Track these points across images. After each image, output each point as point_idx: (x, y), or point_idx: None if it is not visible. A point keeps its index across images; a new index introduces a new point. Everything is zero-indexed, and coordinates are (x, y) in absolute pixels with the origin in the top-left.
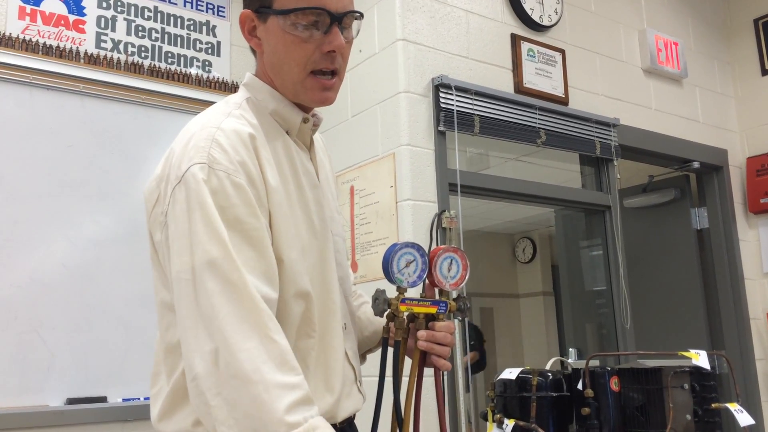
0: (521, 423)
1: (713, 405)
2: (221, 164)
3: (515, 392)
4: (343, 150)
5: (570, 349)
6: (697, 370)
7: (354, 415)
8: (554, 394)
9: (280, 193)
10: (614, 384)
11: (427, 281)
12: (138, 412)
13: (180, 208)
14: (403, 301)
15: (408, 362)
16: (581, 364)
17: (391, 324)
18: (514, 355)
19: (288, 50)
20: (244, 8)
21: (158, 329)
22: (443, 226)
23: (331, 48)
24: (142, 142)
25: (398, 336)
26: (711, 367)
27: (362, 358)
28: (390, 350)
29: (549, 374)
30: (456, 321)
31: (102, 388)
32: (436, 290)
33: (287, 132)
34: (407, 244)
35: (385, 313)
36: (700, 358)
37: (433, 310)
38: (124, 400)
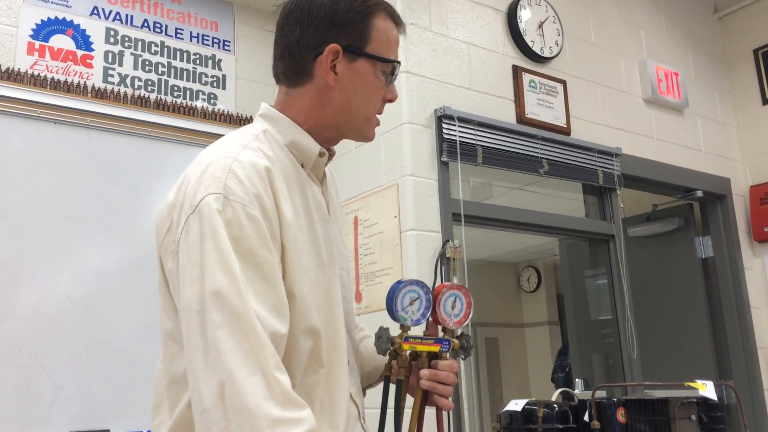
0: None
1: None
2: (237, 195)
3: (521, 424)
4: (347, 180)
5: (576, 380)
6: (704, 401)
7: None
8: (561, 426)
9: (294, 227)
10: (621, 415)
11: (430, 319)
12: None
13: (193, 237)
14: (407, 339)
15: (410, 400)
16: (587, 395)
17: (394, 362)
18: (520, 386)
19: (368, 92)
20: (330, 42)
21: (162, 361)
22: (447, 256)
23: (393, 98)
24: (148, 174)
25: (400, 375)
26: (719, 398)
27: (363, 392)
28: (392, 387)
29: (555, 406)
30: (460, 359)
31: (105, 422)
32: (440, 328)
33: (302, 165)
34: (411, 282)
35: (388, 352)
36: (707, 389)
37: (436, 348)
38: None
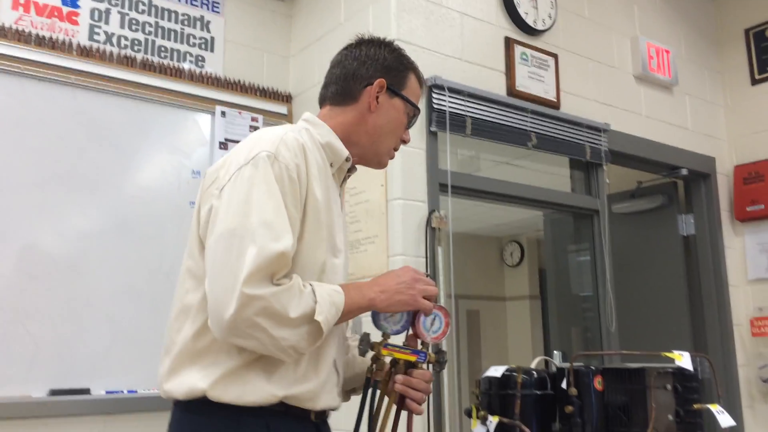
0: (505, 420)
1: (695, 406)
2: (284, 158)
3: (500, 390)
4: None
5: (555, 352)
6: (680, 372)
7: (329, 413)
8: (538, 392)
9: (320, 203)
10: (598, 383)
11: (411, 332)
12: (121, 404)
13: (245, 180)
14: (386, 345)
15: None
16: (566, 365)
17: (374, 365)
18: (500, 358)
19: (395, 125)
20: (381, 75)
21: (177, 300)
22: (433, 226)
23: (407, 140)
24: (132, 135)
25: (378, 377)
26: (694, 370)
27: (347, 395)
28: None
29: (534, 373)
30: (433, 371)
31: (86, 380)
32: (419, 340)
33: (330, 164)
34: None
35: (370, 355)
36: (683, 359)
37: (413, 358)
38: (107, 392)
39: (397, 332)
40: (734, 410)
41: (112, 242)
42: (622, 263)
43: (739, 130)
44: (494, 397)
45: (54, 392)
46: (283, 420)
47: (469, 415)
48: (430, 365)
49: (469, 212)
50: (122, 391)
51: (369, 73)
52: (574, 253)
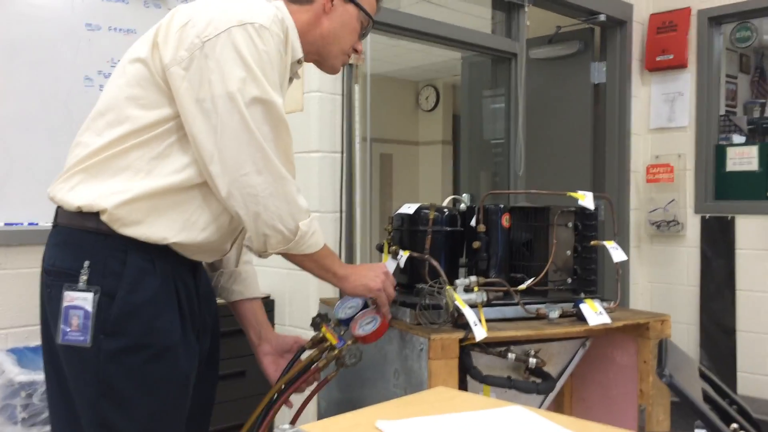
0: (415, 254)
1: (592, 242)
2: (276, 35)
3: (411, 226)
4: None
5: (464, 195)
6: (581, 211)
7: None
8: (449, 229)
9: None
10: (505, 220)
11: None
12: (22, 236)
13: (245, 44)
14: (327, 325)
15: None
16: (476, 206)
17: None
18: (410, 200)
19: (347, 32)
20: None
21: (88, 133)
22: (350, 62)
23: (360, 50)
24: None
25: (307, 345)
26: (595, 209)
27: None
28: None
29: (445, 210)
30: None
31: None
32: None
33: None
34: (362, 298)
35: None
36: (586, 199)
37: (334, 341)
38: (6, 224)
39: (343, 320)
40: (623, 249)
41: (1, 68)
42: (534, 109)
43: None
44: (406, 233)
45: None
46: (166, 257)
47: (381, 250)
48: (336, 360)
49: (387, 53)
50: (22, 224)
51: None
52: (489, 98)
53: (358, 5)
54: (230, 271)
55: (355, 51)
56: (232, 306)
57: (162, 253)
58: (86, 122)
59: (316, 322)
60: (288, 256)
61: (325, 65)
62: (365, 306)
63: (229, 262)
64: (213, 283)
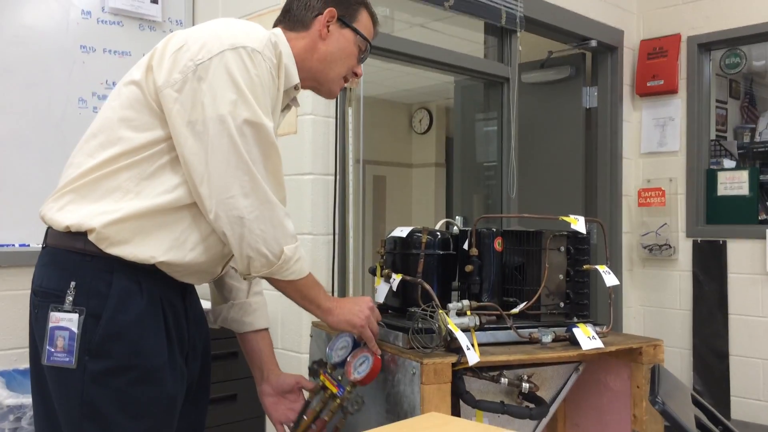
0: (408, 278)
1: (584, 266)
2: (269, 59)
3: (404, 249)
4: None
5: (457, 217)
6: (573, 235)
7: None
8: (441, 252)
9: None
10: (498, 244)
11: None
12: (13, 258)
13: (232, 68)
14: (325, 373)
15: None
16: (469, 229)
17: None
18: (403, 223)
19: (345, 56)
20: (331, 5)
21: (80, 154)
22: (344, 85)
23: (359, 74)
24: None
25: (309, 397)
26: (587, 233)
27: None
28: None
29: (438, 233)
30: (339, 411)
31: None
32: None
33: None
34: (350, 335)
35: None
36: (578, 223)
37: (335, 390)
38: None
39: (337, 363)
40: (616, 273)
41: None
42: (526, 133)
43: (649, 4)
44: (398, 256)
45: None
46: (154, 279)
47: (374, 273)
48: (341, 408)
49: (381, 75)
50: (13, 245)
51: (319, 4)
52: (481, 121)
53: (354, 30)
54: (241, 303)
55: (355, 75)
56: (240, 338)
57: (149, 275)
58: (79, 143)
59: (314, 370)
60: (272, 281)
61: (323, 90)
62: (355, 342)
63: (240, 293)
64: (223, 315)
